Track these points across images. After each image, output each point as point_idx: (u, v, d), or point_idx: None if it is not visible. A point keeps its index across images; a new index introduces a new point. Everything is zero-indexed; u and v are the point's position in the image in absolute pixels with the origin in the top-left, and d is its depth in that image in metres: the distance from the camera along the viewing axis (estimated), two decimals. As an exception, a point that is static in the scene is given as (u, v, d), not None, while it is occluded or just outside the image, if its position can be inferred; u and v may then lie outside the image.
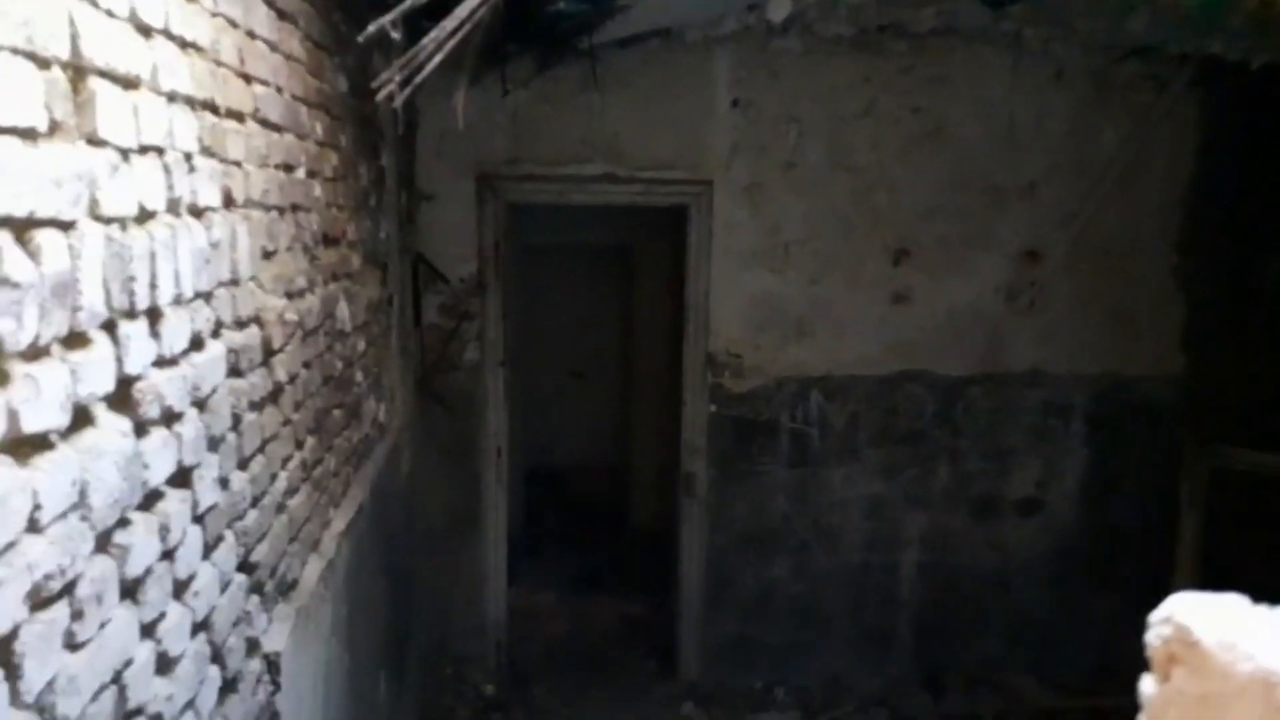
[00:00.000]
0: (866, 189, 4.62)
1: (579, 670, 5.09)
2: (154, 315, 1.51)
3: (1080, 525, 4.94)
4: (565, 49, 4.03)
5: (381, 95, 1.88)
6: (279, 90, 2.22)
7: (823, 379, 4.76)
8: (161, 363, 1.54)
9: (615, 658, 5.25)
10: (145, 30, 1.49)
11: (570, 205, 4.85)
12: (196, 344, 1.70)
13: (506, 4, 3.36)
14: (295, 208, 2.36)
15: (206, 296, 1.75)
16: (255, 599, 1.97)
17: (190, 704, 1.58)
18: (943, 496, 4.90)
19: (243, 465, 1.94)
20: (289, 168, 2.30)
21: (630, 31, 4.06)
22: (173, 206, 1.59)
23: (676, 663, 4.98)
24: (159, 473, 1.51)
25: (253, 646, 1.94)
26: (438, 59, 1.92)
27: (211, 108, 1.78)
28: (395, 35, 1.91)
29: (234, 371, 1.89)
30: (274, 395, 2.16)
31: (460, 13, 1.87)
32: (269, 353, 2.12)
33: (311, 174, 2.51)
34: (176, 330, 1.60)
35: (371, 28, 1.89)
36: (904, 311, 4.72)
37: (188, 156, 1.66)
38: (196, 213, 1.70)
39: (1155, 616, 0.49)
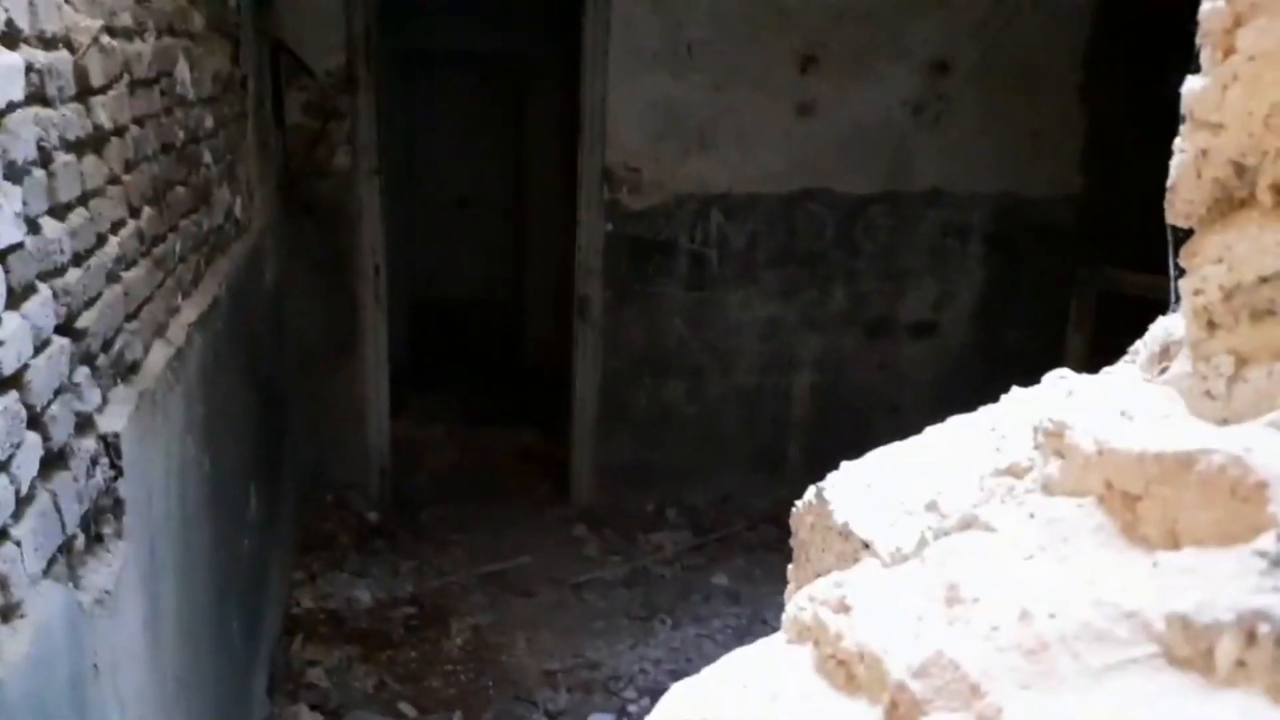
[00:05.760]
0: (774, -14, 4.32)
1: (468, 497, 4.95)
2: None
3: (972, 346, 4.95)
4: None
5: None
6: None
7: (723, 196, 4.56)
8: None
9: (506, 485, 5.13)
10: None
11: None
12: (-23, 39, 1.36)
13: None
14: (114, -77, 1.95)
15: (-11, -15, 1.40)
16: (85, 370, 1.69)
17: (2, 466, 1.33)
18: (838, 318, 4.84)
19: (57, 213, 1.63)
20: None
21: None
22: None
23: (569, 487, 4.89)
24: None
25: (86, 423, 1.68)
26: None
27: None
28: None
29: (39, 97, 1.56)
30: (96, 143, 1.83)
31: None
32: (86, 88, 1.78)
33: (134, -110, 2.08)
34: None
35: None
36: (810, 124, 4.51)
37: None
38: None
39: None
